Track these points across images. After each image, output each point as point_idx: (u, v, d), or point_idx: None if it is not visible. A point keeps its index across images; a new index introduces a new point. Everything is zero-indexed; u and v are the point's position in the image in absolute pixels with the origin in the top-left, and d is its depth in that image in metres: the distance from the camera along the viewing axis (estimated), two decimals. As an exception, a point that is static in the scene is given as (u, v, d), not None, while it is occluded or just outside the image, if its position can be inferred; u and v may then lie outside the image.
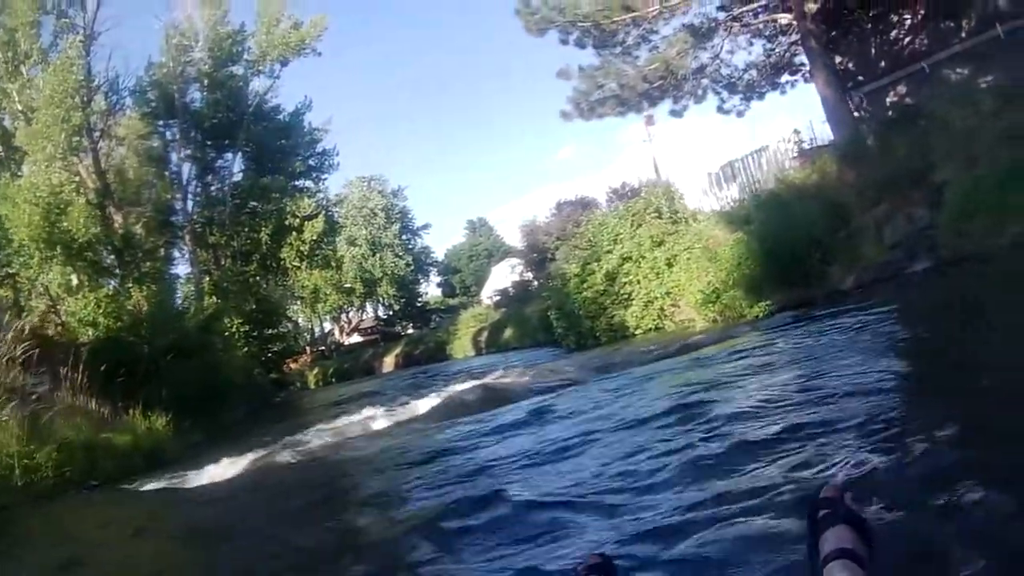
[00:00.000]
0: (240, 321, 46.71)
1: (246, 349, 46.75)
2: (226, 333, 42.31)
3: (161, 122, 50.16)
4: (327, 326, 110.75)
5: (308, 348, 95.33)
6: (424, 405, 18.94)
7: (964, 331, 10.92)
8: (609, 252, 31.65)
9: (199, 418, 28.09)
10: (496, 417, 14.33)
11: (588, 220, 39.37)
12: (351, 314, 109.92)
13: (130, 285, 37.61)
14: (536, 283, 64.47)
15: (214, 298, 44.89)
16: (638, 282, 30.01)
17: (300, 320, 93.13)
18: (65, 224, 35.13)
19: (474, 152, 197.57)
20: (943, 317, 13.26)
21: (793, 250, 22.36)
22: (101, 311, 32.67)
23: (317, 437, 17.83)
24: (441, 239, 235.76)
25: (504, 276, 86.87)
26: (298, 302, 78.45)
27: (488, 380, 21.62)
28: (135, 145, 49.16)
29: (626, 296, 30.35)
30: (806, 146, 33.99)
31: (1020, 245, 15.51)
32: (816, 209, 23.08)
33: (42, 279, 35.66)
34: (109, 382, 24.95)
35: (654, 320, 29.58)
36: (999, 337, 9.67)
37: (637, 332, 29.86)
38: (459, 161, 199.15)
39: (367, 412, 20.67)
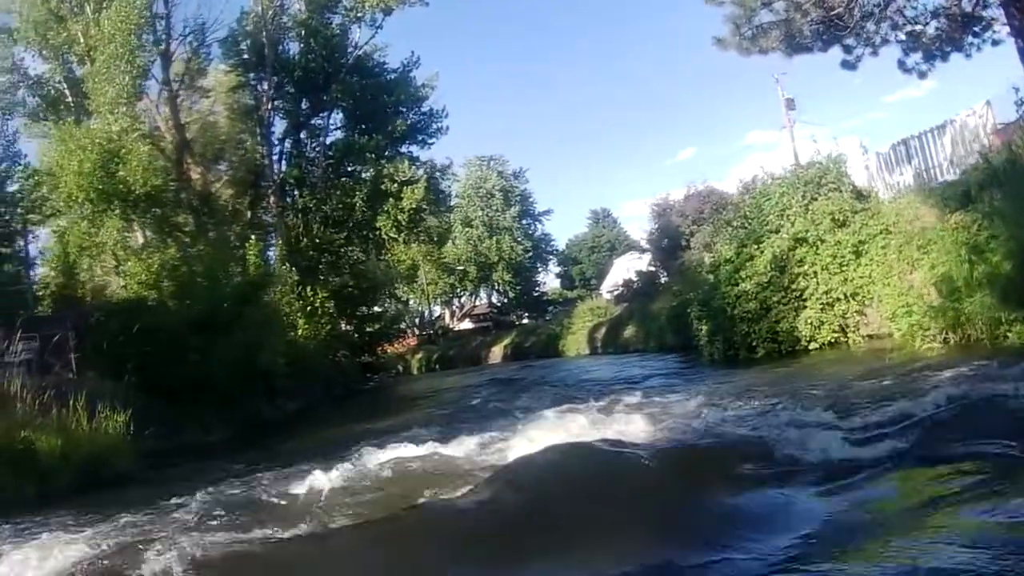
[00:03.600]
0: (325, 295, 42.61)
1: (330, 327, 42.41)
2: (295, 306, 38.39)
3: (252, 74, 46.36)
4: (437, 310, 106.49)
5: (415, 331, 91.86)
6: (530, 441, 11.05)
7: None
8: (775, 232, 23.55)
9: (211, 413, 23.89)
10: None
11: (746, 190, 31.76)
12: (463, 299, 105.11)
13: (201, 247, 33.68)
14: (665, 276, 56.48)
15: (287, 266, 40.40)
16: (815, 275, 21.83)
17: (411, 301, 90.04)
18: (122, 174, 31.13)
19: (596, 142, 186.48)
20: None
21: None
22: (166, 274, 28.78)
23: (335, 482, 10.45)
24: (561, 228, 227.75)
25: (627, 270, 77.59)
26: (411, 283, 72.71)
27: (626, 423, 12.98)
28: (222, 98, 46.40)
29: (798, 294, 22.16)
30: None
31: None
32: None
33: (103, 235, 31.99)
34: (119, 357, 22.17)
35: (833, 331, 21.50)
36: None
37: (811, 347, 21.80)
38: (580, 149, 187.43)
39: (440, 443, 12.86)
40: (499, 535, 7.36)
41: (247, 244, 35.43)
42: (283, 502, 10.06)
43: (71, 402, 16.23)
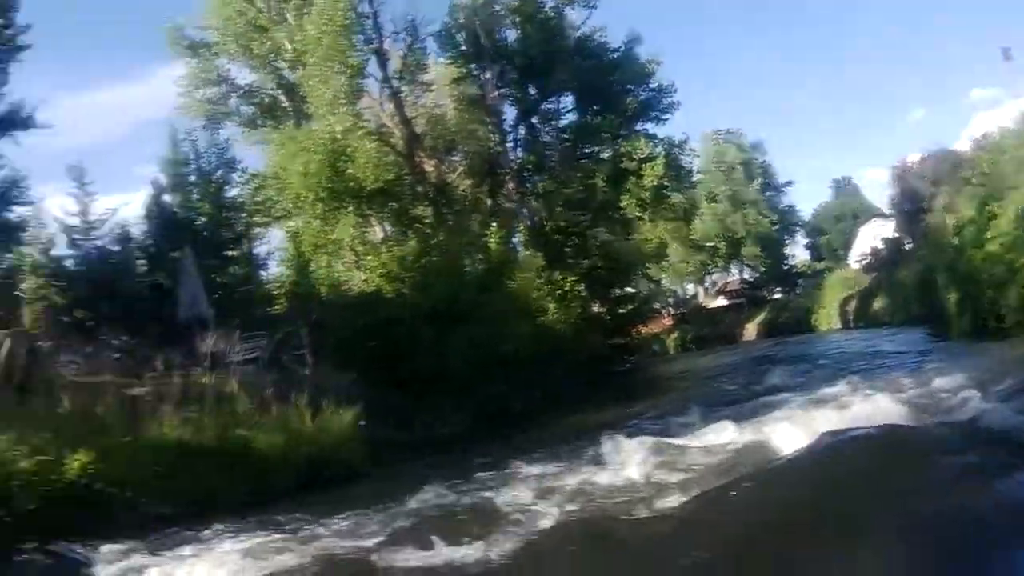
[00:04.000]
0: (574, 279, 41.54)
1: (581, 311, 41.41)
2: (544, 291, 37.05)
3: (473, 65, 45.91)
4: (691, 288, 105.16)
5: (670, 310, 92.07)
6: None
7: None
8: (1016, 188, 21.21)
9: (448, 404, 23.68)
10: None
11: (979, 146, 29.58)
12: (715, 276, 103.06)
13: (440, 237, 33.85)
14: (910, 242, 53.96)
15: (530, 251, 40.55)
16: (1065, 231, 19.59)
17: (664, 281, 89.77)
18: (351, 171, 32.65)
19: (830, 108, 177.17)
20: None
21: None
22: (407, 266, 29.48)
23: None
24: (804, 199, 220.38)
25: (873, 238, 73.90)
26: (660, 262, 71.60)
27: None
28: (447, 90, 46.43)
29: (1048, 254, 19.86)
30: None
31: None
32: None
33: (339, 232, 32.65)
34: (353, 351, 22.73)
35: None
36: None
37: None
38: (815, 116, 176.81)
39: (699, 429, 11.65)
40: (779, 537, 6.16)
41: (488, 231, 35.44)
42: (515, 503, 9.20)
43: (294, 399, 16.22)
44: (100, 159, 74.45)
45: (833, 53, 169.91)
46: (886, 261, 55.78)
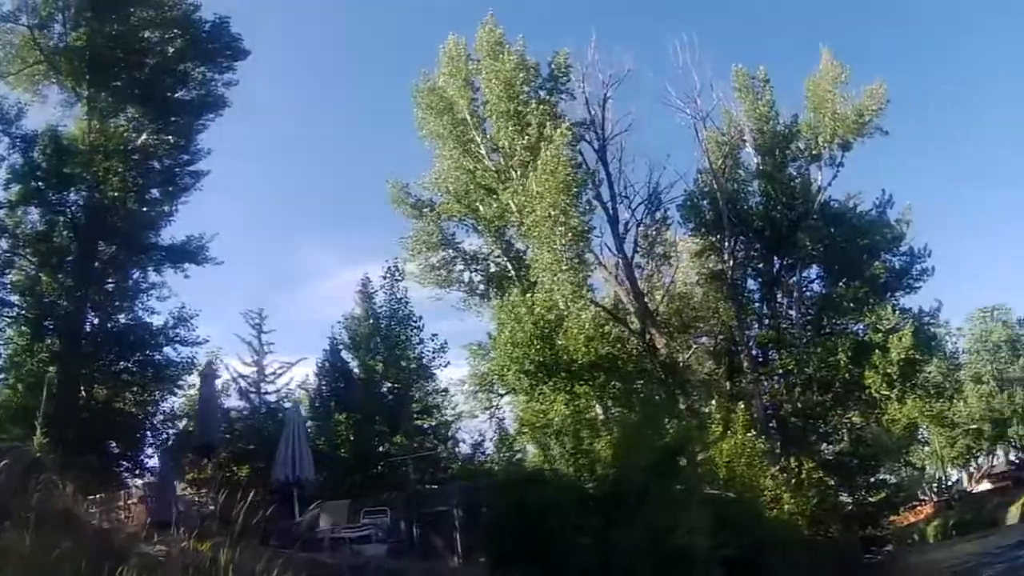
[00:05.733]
0: (812, 466, 37.76)
1: (818, 500, 36.76)
2: (778, 479, 33.84)
3: (715, 236, 42.93)
4: (955, 474, 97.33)
5: (932, 498, 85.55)
6: None
7: None
8: None
9: None
10: None
11: None
12: (980, 459, 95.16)
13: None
14: None
15: (753, 433, 34.92)
16: None
17: (927, 466, 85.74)
18: (561, 342, 29.91)
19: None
20: None
21: None
22: (582, 442, 25.40)
23: None
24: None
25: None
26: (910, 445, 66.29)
27: None
28: (689, 263, 44.61)
29: None
30: None
31: None
32: None
33: (553, 411, 28.17)
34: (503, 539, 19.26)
35: None
36: None
37: None
38: None
39: None
40: None
41: (712, 416, 33.44)
42: None
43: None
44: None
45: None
46: None
